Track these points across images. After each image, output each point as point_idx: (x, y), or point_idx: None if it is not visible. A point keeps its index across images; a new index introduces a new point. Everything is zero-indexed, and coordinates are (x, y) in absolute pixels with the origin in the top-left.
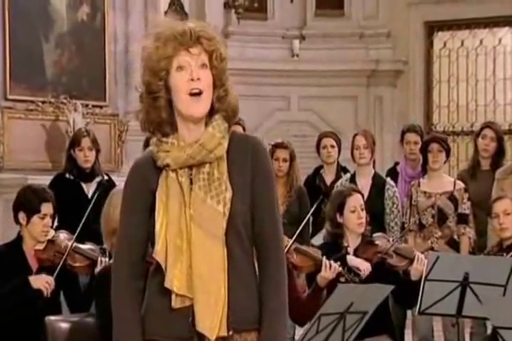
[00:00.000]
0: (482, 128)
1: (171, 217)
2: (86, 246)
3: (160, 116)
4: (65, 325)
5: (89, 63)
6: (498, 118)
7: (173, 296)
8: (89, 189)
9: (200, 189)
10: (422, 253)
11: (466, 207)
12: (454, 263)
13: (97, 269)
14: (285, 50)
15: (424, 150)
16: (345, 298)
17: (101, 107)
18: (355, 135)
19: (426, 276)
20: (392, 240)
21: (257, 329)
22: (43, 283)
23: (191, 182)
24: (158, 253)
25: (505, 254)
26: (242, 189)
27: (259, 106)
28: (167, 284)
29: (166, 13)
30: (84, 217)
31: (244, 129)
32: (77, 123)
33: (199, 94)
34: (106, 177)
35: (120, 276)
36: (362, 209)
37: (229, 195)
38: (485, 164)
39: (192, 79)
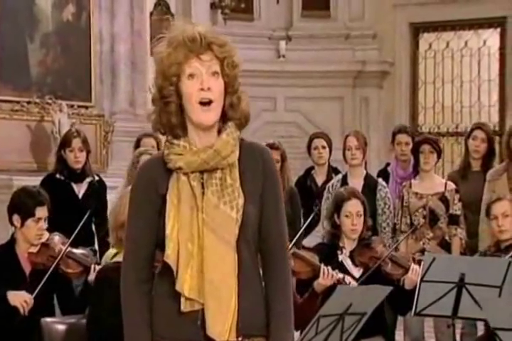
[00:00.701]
0: (472, 130)
1: (182, 220)
2: (79, 251)
3: (170, 120)
4: (61, 327)
5: (75, 63)
6: (483, 119)
7: (183, 300)
8: (80, 189)
9: (213, 194)
10: (414, 254)
11: (457, 208)
12: (450, 265)
13: (90, 276)
14: (271, 51)
15: (416, 152)
16: (345, 299)
17: (86, 108)
18: (347, 136)
19: (422, 277)
20: (389, 245)
21: (264, 336)
22: (21, 301)
23: (202, 187)
24: (169, 257)
25: (503, 255)
26: (252, 196)
27: None
28: (178, 287)
29: (151, 13)
30: (82, 222)
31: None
32: (62, 124)
33: (209, 103)
34: (97, 178)
35: (128, 280)
36: (359, 215)
37: (241, 201)
38: (475, 165)
39: (202, 89)
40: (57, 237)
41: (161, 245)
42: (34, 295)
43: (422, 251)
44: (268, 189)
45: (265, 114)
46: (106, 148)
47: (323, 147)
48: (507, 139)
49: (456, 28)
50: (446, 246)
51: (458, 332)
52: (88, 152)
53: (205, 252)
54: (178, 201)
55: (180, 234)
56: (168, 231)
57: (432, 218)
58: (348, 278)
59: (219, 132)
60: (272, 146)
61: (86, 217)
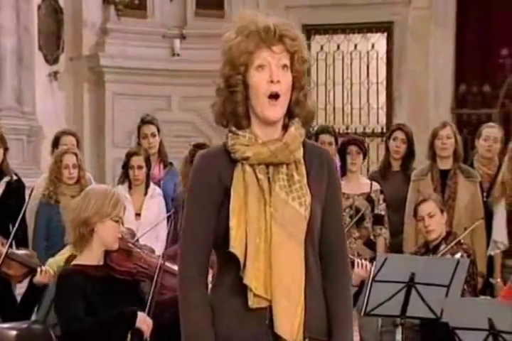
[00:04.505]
0: (393, 131)
1: (250, 213)
2: (22, 252)
3: (236, 110)
4: (12, 333)
5: None
6: (372, 121)
7: (251, 295)
8: None
9: (281, 189)
10: None
11: (381, 208)
12: (401, 264)
13: (37, 278)
14: (166, 49)
15: (343, 152)
16: None
17: None
18: None
19: (373, 277)
20: None
21: None
22: None
23: (268, 181)
24: (236, 248)
25: (431, 255)
26: (318, 196)
27: (140, 106)
28: (247, 281)
29: (39, 7)
30: (17, 223)
31: None
32: None
33: (277, 96)
34: (15, 177)
35: (189, 276)
36: None
37: (309, 198)
38: (396, 165)
39: (272, 81)
40: None
41: (220, 239)
42: None
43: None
44: (331, 191)
45: (160, 113)
46: None
47: None
48: (431, 140)
49: (346, 31)
50: (371, 245)
51: (378, 330)
52: (5, 149)
53: (273, 248)
54: (244, 193)
55: (248, 227)
56: (233, 223)
57: (358, 218)
58: None
59: (284, 128)
60: (202, 146)
61: (20, 218)
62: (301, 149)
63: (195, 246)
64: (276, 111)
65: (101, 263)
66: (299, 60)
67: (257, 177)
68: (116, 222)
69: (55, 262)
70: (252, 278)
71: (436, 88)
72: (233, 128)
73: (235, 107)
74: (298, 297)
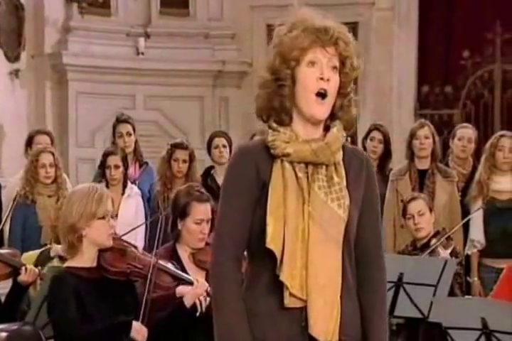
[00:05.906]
0: (370, 131)
1: (288, 211)
2: (5, 251)
3: (283, 104)
4: (2, 334)
5: None
6: None
7: (286, 294)
8: None
9: (320, 189)
10: None
11: None
12: (390, 264)
13: (21, 277)
14: (130, 48)
15: None
16: None
17: None
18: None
19: None
20: None
21: None
22: None
23: (307, 180)
24: (275, 244)
25: (420, 254)
26: (356, 199)
27: (104, 105)
28: (283, 278)
29: None
30: (1, 224)
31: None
32: None
33: (324, 95)
34: None
35: (224, 274)
36: None
37: (347, 201)
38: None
39: (322, 78)
40: None
41: (255, 235)
42: None
43: None
44: (369, 196)
45: (124, 112)
46: None
47: (224, 146)
48: (408, 140)
49: None
50: None
51: None
52: None
53: (310, 247)
54: (283, 190)
55: (286, 224)
56: (270, 219)
57: None
58: None
59: (325, 129)
60: (180, 146)
61: (4, 219)
62: (341, 152)
63: (231, 242)
64: (323, 110)
65: (94, 264)
66: (349, 66)
67: (296, 175)
68: (104, 218)
69: (29, 256)
70: (288, 275)
71: (399, 89)
72: (274, 125)
73: (283, 100)
74: (334, 297)
